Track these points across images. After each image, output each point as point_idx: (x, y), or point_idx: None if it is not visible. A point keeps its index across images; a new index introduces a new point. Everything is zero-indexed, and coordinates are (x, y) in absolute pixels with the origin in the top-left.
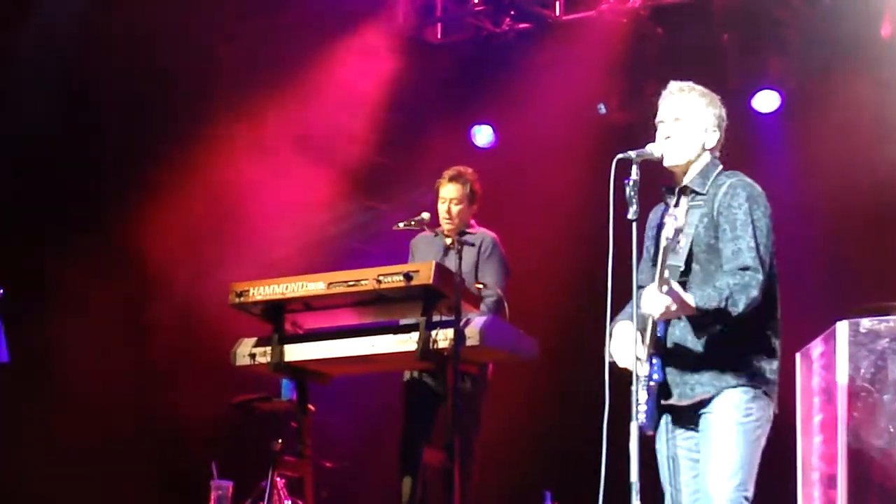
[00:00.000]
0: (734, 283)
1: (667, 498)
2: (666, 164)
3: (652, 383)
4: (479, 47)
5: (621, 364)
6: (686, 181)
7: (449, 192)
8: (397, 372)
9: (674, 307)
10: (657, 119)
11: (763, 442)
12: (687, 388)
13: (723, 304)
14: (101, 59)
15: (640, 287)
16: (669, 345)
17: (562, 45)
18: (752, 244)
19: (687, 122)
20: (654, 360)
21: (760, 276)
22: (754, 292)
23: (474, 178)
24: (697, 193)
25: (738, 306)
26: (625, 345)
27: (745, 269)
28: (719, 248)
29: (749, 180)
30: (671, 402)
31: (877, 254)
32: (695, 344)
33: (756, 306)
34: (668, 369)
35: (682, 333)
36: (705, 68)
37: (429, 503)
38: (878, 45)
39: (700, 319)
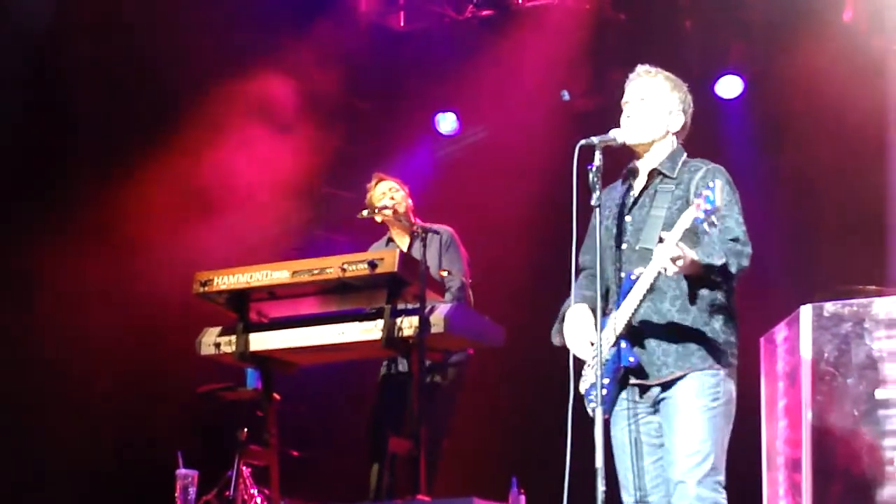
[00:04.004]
0: (728, 248)
1: (626, 483)
2: (628, 142)
3: (624, 365)
4: (443, 34)
5: (573, 350)
6: (655, 164)
7: (383, 187)
8: (362, 360)
9: (688, 261)
10: (623, 101)
11: (731, 425)
12: (653, 368)
13: (723, 261)
14: (71, 47)
15: (583, 269)
16: (635, 324)
17: (525, 32)
18: (740, 220)
19: (650, 102)
20: (624, 343)
21: (749, 250)
22: (745, 261)
23: (402, 181)
24: (666, 176)
25: (731, 269)
26: (579, 329)
27: (735, 240)
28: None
29: (722, 167)
30: (639, 382)
31: (840, 238)
32: (660, 323)
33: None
34: (636, 349)
35: (646, 313)
36: (668, 54)
37: (396, 491)
38: (841, 29)
39: (697, 281)
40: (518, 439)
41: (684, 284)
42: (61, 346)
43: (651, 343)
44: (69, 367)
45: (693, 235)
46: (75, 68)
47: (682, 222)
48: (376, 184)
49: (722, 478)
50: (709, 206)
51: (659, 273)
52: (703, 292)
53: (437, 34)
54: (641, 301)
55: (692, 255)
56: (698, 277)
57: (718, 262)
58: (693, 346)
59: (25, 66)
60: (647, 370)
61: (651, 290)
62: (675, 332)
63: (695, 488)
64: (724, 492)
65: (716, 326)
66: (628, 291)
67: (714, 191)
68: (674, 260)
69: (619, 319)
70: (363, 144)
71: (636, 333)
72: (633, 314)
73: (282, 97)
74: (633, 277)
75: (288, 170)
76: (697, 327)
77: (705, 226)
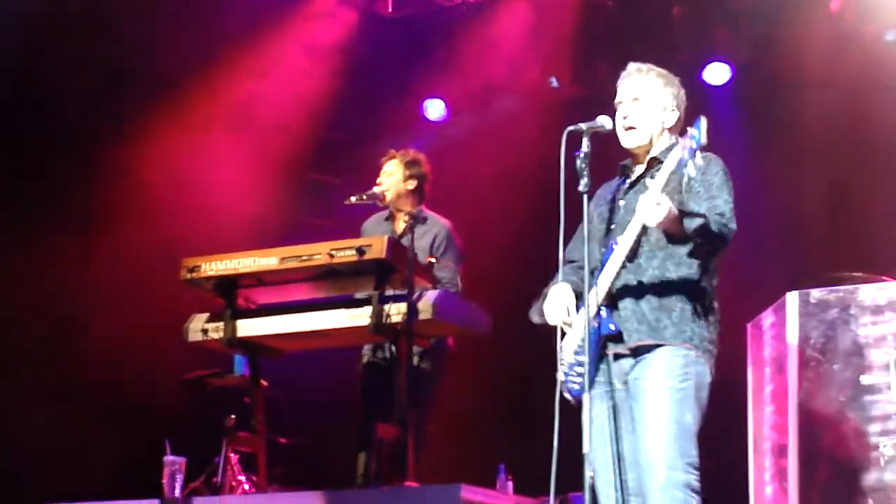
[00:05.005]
0: (712, 217)
1: (602, 464)
2: (626, 145)
3: (605, 333)
4: (431, 21)
5: (552, 322)
6: (654, 153)
7: (384, 168)
8: (351, 347)
9: (671, 215)
10: (616, 100)
11: (703, 406)
12: (625, 334)
13: (704, 220)
14: (52, 38)
15: (570, 262)
16: (615, 292)
17: (513, 18)
18: (729, 201)
19: (645, 101)
20: (605, 312)
21: (734, 226)
22: (728, 234)
23: (415, 160)
24: (663, 164)
25: (713, 228)
26: (557, 302)
27: (721, 214)
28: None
29: (718, 157)
30: (617, 350)
31: (827, 225)
32: (638, 296)
33: (706, 266)
34: (615, 315)
35: (626, 286)
36: (656, 41)
37: (383, 477)
38: (828, 18)
39: (678, 241)
40: (506, 426)
41: (669, 264)
42: (46, 337)
43: (627, 311)
44: (54, 357)
45: (678, 195)
46: (59, 60)
47: (668, 165)
48: (383, 162)
49: (693, 459)
50: (694, 144)
51: (639, 237)
52: (683, 276)
53: (426, 20)
54: (622, 268)
55: (676, 210)
56: (680, 238)
57: (699, 219)
58: (667, 321)
59: (9, 60)
60: (622, 335)
61: (632, 258)
62: (651, 306)
63: (665, 471)
64: (695, 472)
65: (692, 308)
66: (609, 259)
67: (700, 129)
68: (658, 204)
69: (600, 288)
70: (351, 131)
71: (616, 301)
72: (613, 281)
73: (268, 84)
74: (614, 246)
75: (276, 156)
76: (674, 308)
77: (691, 165)
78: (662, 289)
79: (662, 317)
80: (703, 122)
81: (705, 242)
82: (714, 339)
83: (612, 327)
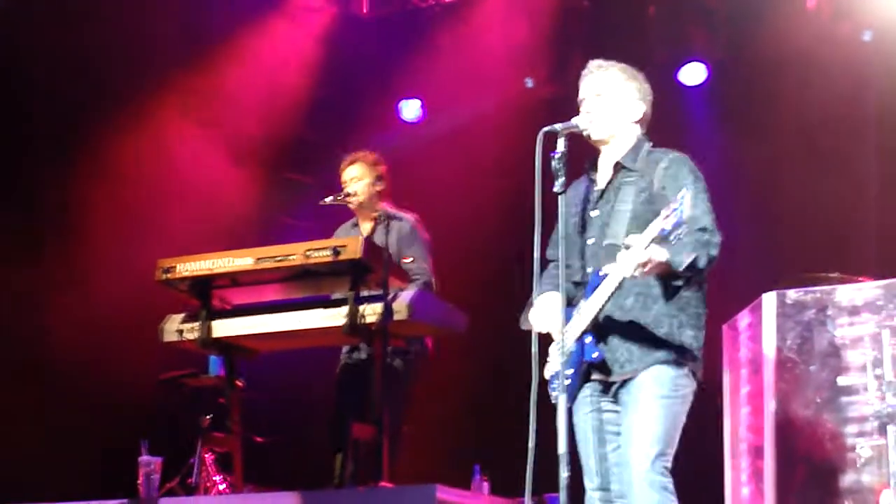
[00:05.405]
0: (695, 241)
1: (588, 469)
2: (591, 139)
3: (587, 360)
4: (407, 21)
5: (539, 329)
6: (618, 157)
7: (348, 174)
8: (327, 347)
9: (655, 263)
10: (579, 98)
11: (684, 418)
12: (616, 365)
13: (692, 258)
14: (26, 34)
15: (550, 261)
16: (600, 320)
17: (488, 19)
18: (706, 209)
19: (607, 96)
20: (588, 338)
21: (718, 238)
22: (714, 251)
23: (376, 161)
24: (629, 170)
25: (700, 263)
26: (546, 311)
27: (703, 229)
28: None
29: (685, 156)
30: (601, 377)
31: (803, 225)
32: (624, 320)
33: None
34: (600, 345)
35: (610, 310)
36: (631, 41)
37: (359, 478)
38: (804, 16)
39: (667, 276)
40: (481, 426)
41: (651, 279)
42: (20, 338)
43: (615, 340)
44: (29, 357)
45: (650, 205)
46: (34, 52)
47: (650, 231)
48: (344, 167)
49: (669, 463)
50: (676, 219)
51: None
52: (671, 287)
53: (401, 20)
54: (608, 300)
55: (662, 257)
56: (668, 273)
57: (688, 259)
58: (656, 344)
59: None
60: (610, 366)
61: (618, 287)
62: (638, 330)
63: (644, 471)
64: (670, 476)
65: (682, 322)
66: (595, 287)
67: (684, 203)
68: (642, 265)
69: (584, 315)
70: (326, 131)
71: (601, 330)
72: (598, 311)
73: (243, 84)
74: (601, 274)
75: (251, 156)
76: (662, 324)
77: (670, 237)
78: (648, 307)
79: (652, 340)
80: (687, 196)
81: (695, 274)
82: (701, 347)
83: (596, 355)
